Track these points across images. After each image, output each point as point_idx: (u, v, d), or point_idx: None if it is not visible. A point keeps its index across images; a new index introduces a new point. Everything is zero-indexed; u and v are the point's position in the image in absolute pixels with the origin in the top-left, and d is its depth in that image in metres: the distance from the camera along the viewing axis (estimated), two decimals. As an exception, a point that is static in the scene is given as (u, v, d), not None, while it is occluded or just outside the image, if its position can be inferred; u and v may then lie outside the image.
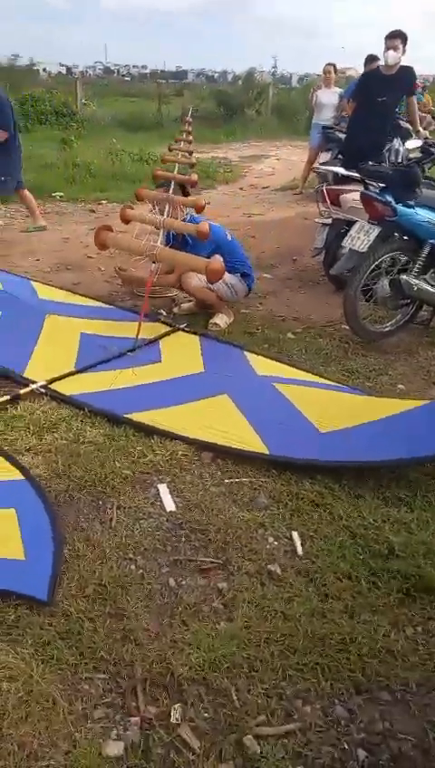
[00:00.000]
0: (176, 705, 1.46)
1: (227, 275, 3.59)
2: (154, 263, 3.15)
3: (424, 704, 1.49)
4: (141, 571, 1.84)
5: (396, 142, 6.30)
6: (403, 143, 5.77)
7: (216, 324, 3.63)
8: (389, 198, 3.18)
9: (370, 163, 3.65)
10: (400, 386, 3.10)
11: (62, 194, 7.30)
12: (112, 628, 1.63)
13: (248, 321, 3.81)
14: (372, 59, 6.48)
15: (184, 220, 3.41)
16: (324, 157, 7.16)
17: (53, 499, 2.09)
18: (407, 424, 2.41)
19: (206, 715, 1.45)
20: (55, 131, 12.06)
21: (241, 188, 8.79)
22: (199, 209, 3.12)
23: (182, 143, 3.29)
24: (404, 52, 4.97)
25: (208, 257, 3.09)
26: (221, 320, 3.67)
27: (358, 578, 1.83)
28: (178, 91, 21.14)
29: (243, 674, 1.54)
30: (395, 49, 4.87)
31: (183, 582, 1.82)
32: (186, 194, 3.55)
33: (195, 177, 3.17)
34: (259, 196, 8.17)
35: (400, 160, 6.15)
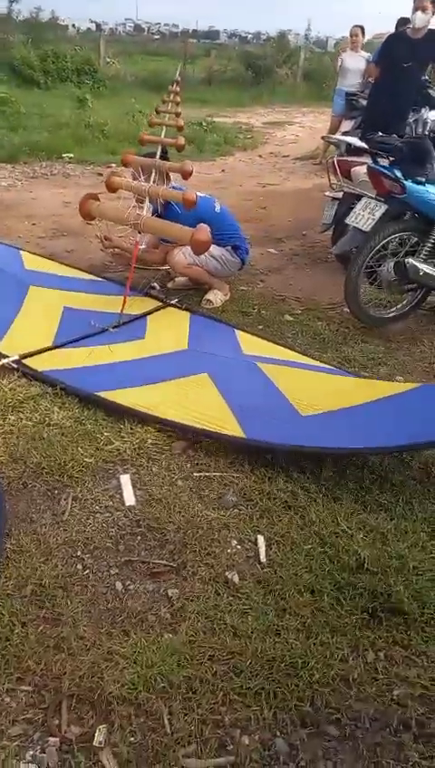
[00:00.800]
0: (101, 727, 1.34)
1: (214, 249, 3.37)
2: (139, 233, 2.95)
3: (375, 742, 1.35)
4: (88, 571, 1.71)
5: (424, 112, 5.95)
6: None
7: (209, 301, 3.44)
8: (397, 173, 2.91)
9: (379, 134, 3.36)
10: (398, 377, 2.89)
11: (71, 155, 7.06)
12: (45, 634, 1.51)
13: (245, 300, 3.61)
14: (403, 22, 6.05)
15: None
16: (347, 125, 6.79)
17: (5, 486, 1.96)
18: (393, 409, 2.23)
19: (132, 739, 1.32)
20: (76, 89, 11.69)
21: (260, 156, 8.44)
22: (186, 175, 2.90)
23: (170, 105, 3.04)
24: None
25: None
26: (215, 296, 3.48)
27: (321, 592, 1.68)
28: (206, 52, 20.36)
29: (180, 695, 1.41)
30: (424, 10, 4.48)
31: (131, 586, 1.69)
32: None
33: (182, 140, 2.94)
34: (277, 165, 7.83)
35: (427, 132, 5.81)
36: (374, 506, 2.02)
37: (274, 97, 15.26)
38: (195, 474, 2.13)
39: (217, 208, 3.47)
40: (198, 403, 2.35)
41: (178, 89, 3.24)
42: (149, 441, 2.25)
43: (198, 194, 3.04)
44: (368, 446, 2.09)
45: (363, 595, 1.67)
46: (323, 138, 5.15)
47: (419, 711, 1.41)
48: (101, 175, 6.50)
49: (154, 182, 3.01)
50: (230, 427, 2.22)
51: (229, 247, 3.48)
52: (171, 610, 1.62)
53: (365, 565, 1.75)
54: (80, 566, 1.72)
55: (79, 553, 1.76)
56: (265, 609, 1.63)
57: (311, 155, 8.22)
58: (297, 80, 16.85)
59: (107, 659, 1.47)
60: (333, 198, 4.13)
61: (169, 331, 3.00)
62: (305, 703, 1.41)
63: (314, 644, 1.54)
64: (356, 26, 7.25)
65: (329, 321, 3.41)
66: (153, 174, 2.93)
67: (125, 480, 2.05)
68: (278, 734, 1.36)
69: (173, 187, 3.20)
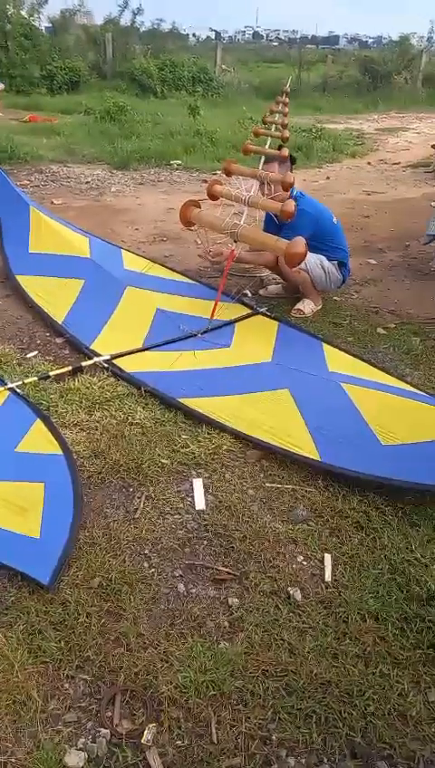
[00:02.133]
0: (151, 725, 1.37)
1: (325, 261, 3.35)
2: (235, 242, 2.99)
3: (428, 788, 1.28)
4: (153, 570, 1.76)
5: None
6: None
7: (300, 311, 3.41)
8: None
9: None
10: None
11: (179, 162, 7.28)
12: (107, 627, 1.57)
13: (338, 311, 3.54)
14: None
15: (291, 197, 3.20)
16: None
17: (84, 479, 2.06)
18: None
19: (179, 743, 1.34)
20: (189, 97, 12.05)
21: (369, 163, 8.23)
22: (287, 187, 2.89)
23: (277, 116, 3.05)
24: None
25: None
26: (307, 306, 3.44)
27: (386, 621, 1.62)
28: (323, 57, 20.18)
29: (230, 705, 1.42)
30: None
31: (193, 590, 1.71)
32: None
33: (286, 152, 2.93)
34: (385, 173, 7.59)
35: None
36: (454, 536, 1.91)
37: (390, 103, 14.82)
38: (267, 484, 2.12)
39: (335, 220, 3.45)
40: (276, 419, 2.34)
41: (286, 99, 3.25)
42: (225, 447, 2.27)
43: (316, 201, 3.07)
44: None
45: (431, 629, 1.59)
46: (432, 146, 4.93)
47: None
48: (205, 182, 6.64)
49: (258, 192, 3.03)
50: (306, 447, 2.19)
51: (336, 262, 3.43)
52: (230, 619, 1.63)
53: (436, 598, 1.66)
54: (146, 564, 1.77)
55: (147, 551, 1.81)
56: (326, 631, 1.59)
57: (424, 163, 7.90)
58: (417, 84, 16.27)
59: (163, 659, 1.50)
60: (440, 209, 3.95)
61: (256, 340, 3.00)
62: (357, 733, 1.36)
63: (374, 673, 1.49)
64: None
65: (425, 337, 3.26)
66: (255, 184, 2.96)
67: (198, 484, 2.09)
68: (326, 760, 1.32)
69: (298, 194, 3.22)
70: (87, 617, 1.59)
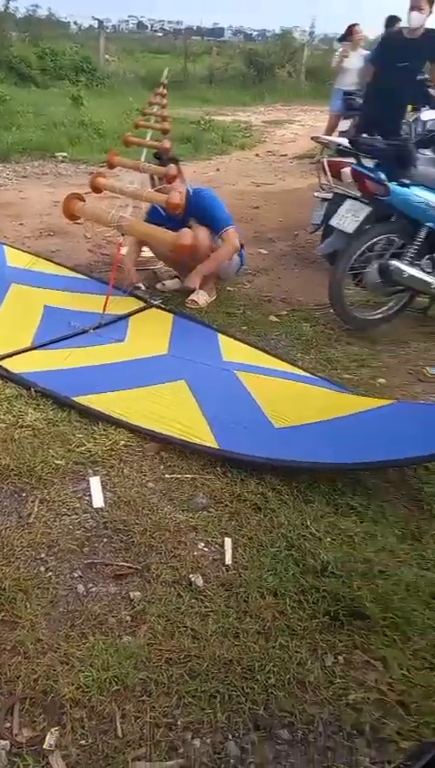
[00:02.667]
0: (53, 729, 1.34)
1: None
2: (123, 235, 2.95)
3: (326, 746, 1.35)
4: (50, 573, 1.71)
5: (425, 112, 5.92)
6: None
7: (194, 302, 3.43)
8: (381, 175, 2.90)
9: (363, 135, 3.35)
10: (381, 380, 2.88)
11: (65, 154, 7.06)
12: (2, 637, 1.51)
13: (231, 301, 3.61)
14: (392, 20, 6.03)
15: (187, 194, 3.21)
16: (345, 125, 6.78)
17: (-27, 488, 1.96)
18: (365, 425, 2.22)
19: (83, 742, 1.32)
20: (72, 87, 11.68)
21: (257, 155, 8.42)
22: (170, 180, 2.90)
23: (156, 107, 3.04)
24: (431, 12, 4.55)
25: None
26: (201, 297, 3.47)
27: (284, 595, 1.68)
28: (209, 49, 20.31)
29: (134, 698, 1.41)
30: (420, 9, 4.44)
31: (93, 589, 1.69)
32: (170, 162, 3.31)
33: (167, 143, 2.94)
34: (273, 164, 7.81)
35: (426, 132, 5.77)
36: (346, 509, 2.01)
37: (275, 95, 15.23)
38: (166, 475, 2.13)
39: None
40: (174, 411, 2.35)
41: (164, 91, 3.24)
42: (122, 443, 2.25)
43: (202, 188, 3.13)
44: (336, 461, 2.08)
45: (326, 599, 1.66)
46: (313, 138, 5.13)
47: (374, 715, 1.40)
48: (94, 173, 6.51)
49: (141, 184, 3.01)
50: (204, 436, 2.21)
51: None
52: (132, 613, 1.62)
53: (330, 568, 1.74)
54: (42, 568, 1.72)
55: (42, 556, 1.76)
56: (227, 612, 1.63)
57: (309, 154, 8.20)
58: (300, 78, 16.81)
59: (63, 662, 1.47)
60: (324, 199, 4.12)
61: (151, 333, 3.00)
62: (259, 706, 1.41)
63: (273, 647, 1.54)
64: (354, 24, 7.21)
65: (314, 323, 3.40)
66: (139, 175, 2.94)
67: (94, 482, 2.05)
68: (230, 737, 1.35)
69: (194, 188, 3.26)
70: (-20, 630, 1.52)
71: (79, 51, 14.21)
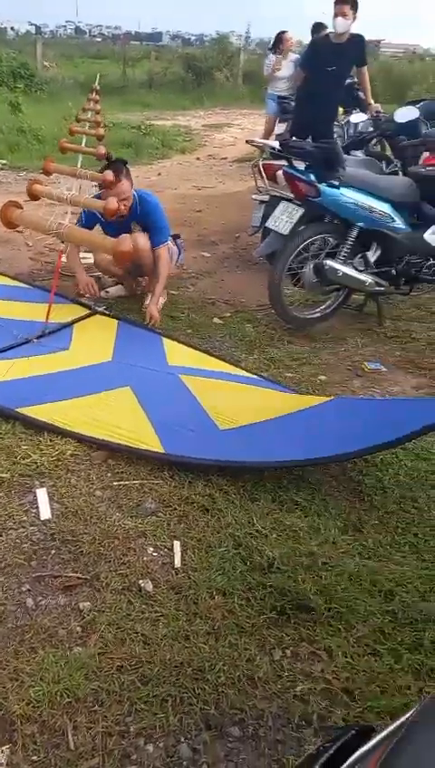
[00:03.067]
0: (4, 748, 1.32)
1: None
2: (63, 242, 2.93)
3: (276, 740, 1.38)
4: (-3, 589, 1.69)
5: (355, 115, 6.10)
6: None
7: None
8: (312, 177, 2.98)
9: (293, 138, 3.44)
10: (321, 376, 2.96)
11: (4, 161, 6.93)
12: None
13: (175, 304, 3.63)
14: (318, 27, 6.19)
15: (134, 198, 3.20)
16: (280, 128, 6.90)
17: None
18: (306, 423, 2.28)
19: (34, 758, 1.31)
20: (11, 94, 11.45)
21: (198, 158, 8.48)
22: (108, 185, 2.90)
23: (90, 113, 3.04)
24: (355, 18, 4.71)
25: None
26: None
27: (232, 594, 1.71)
28: (148, 54, 20.27)
29: (86, 709, 1.41)
30: (344, 16, 4.60)
31: (42, 602, 1.67)
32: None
33: (102, 149, 2.94)
34: (214, 168, 7.89)
35: (356, 134, 5.96)
36: (290, 505, 2.06)
37: (214, 99, 15.35)
38: (114, 483, 2.13)
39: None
40: (119, 418, 2.35)
41: (97, 97, 3.23)
42: (69, 453, 2.23)
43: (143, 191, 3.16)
44: (281, 459, 2.13)
45: (273, 594, 1.71)
46: (247, 142, 5.22)
47: (320, 705, 1.45)
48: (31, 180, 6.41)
49: (78, 190, 2.99)
50: (149, 441, 2.23)
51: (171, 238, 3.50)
52: (82, 623, 1.62)
53: (276, 564, 1.79)
54: (-11, 585, 1.70)
55: (-11, 572, 1.74)
56: (177, 615, 1.64)
57: (248, 157, 8.29)
58: (238, 82, 16.98)
59: (13, 679, 1.45)
60: (261, 201, 4.20)
61: (95, 340, 2.98)
62: (211, 706, 1.43)
63: (223, 646, 1.56)
64: (283, 32, 7.33)
65: (257, 324, 3.46)
66: (77, 182, 2.92)
67: (41, 494, 2.03)
68: (183, 739, 1.37)
69: (140, 193, 3.26)
70: None
71: (16, 57, 13.92)
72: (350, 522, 2.00)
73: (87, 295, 3.34)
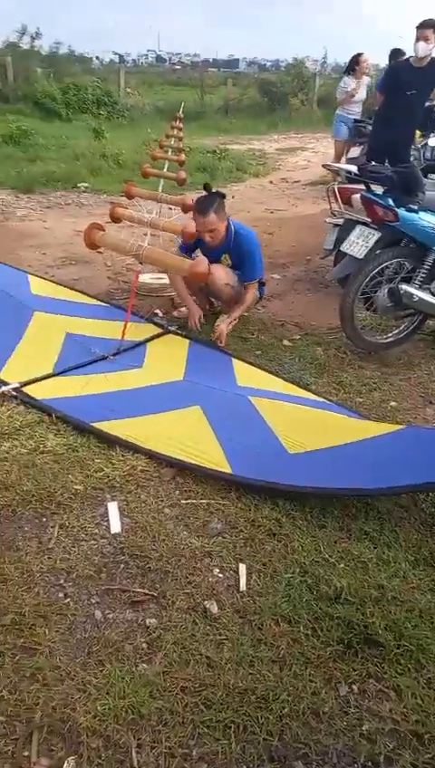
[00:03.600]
0: (70, 759, 1.35)
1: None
2: (141, 263, 3.03)
3: (341, 779, 1.34)
4: (69, 599, 1.74)
5: (433, 138, 6.00)
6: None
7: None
8: (390, 202, 2.95)
9: (371, 163, 3.41)
10: (392, 403, 2.90)
11: (87, 184, 7.26)
12: (21, 663, 1.54)
13: (245, 325, 3.66)
14: (396, 53, 6.16)
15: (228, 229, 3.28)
16: (355, 151, 6.88)
17: (-6, 514, 2.01)
18: (378, 450, 2.23)
19: (99, 772, 1.34)
20: (95, 121, 12.04)
21: (271, 182, 8.56)
22: (186, 209, 2.98)
23: (173, 140, 3.15)
24: None
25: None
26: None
27: (298, 623, 1.69)
28: (225, 80, 20.78)
29: (150, 727, 1.42)
30: (426, 40, 4.59)
31: (110, 615, 1.71)
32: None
33: (183, 174, 3.02)
34: (287, 191, 7.93)
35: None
36: (358, 534, 2.02)
37: (289, 124, 15.51)
38: (182, 501, 2.16)
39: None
40: (189, 436, 2.39)
41: (180, 125, 3.34)
42: (139, 468, 2.29)
43: (242, 226, 3.26)
44: (348, 486, 2.09)
45: (340, 626, 1.67)
46: (323, 166, 5.23)
47: (388, 746, 1.39)
48: (113, 203, 6.67)
49: (158, 214, 3.10)
50: (218, 461, 2.24)
51: (257, 281, 3.52)
52: (148, 640, 1.64)
53: (344, 595, 1.75)
54: (61, 594, 1.75)
55: (61, 582, 1.79)
56: (241, 640, 1.64)
57: (322, 180, 8.30)
58: (313, 106, 17.08)
59: (80, 690, 1.49)
60: (335, 225, 4.19)
61: (167, 359, 3.05)
62: (274, 737, 1.41)
63: (287, 676, 1.54)
64: (359, 54, 7.34)
65: (327, 347, 3.44)
66: (158, 206, 3.02)
67: (112, 507, 2.09)
68: (245, 768, 1.36)
69: (235, 225, 3.31)
70: (0, 655, 1.55)
71: (100, 85, 14.66)
72: (421, 555, 1.94)
73: (191, 325, 3.41)
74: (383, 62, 8.82)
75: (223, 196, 3.29)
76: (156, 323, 3.46)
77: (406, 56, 5.33)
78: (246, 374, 2.93)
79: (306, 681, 1.53)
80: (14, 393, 2.67)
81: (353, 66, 7.18)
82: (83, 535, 1.97)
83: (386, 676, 1.54)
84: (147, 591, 1.78)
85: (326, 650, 1.61)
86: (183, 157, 3.07)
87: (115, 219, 3.13)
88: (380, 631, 1.63)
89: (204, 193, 3.23)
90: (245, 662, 1.57)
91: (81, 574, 1.82)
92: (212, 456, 2.30)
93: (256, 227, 5.75)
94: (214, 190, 3.23)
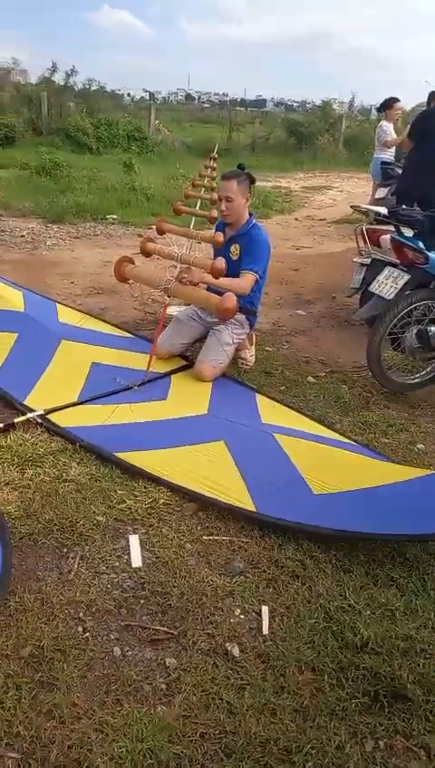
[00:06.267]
0: (84, 803, 1.31)
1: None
2: (168, 297, 3.07)
3: None
4: (88, 634, 1.71)
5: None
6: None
7: (245, 361, 3.49)
8: (420, 245, 2.97)
9: (402, 207, 3.45)
10: (419, 445, 2.85)
11: (115, 216, 7.42)
12: (39, 699, 1.51)
13: (270, 361, 3.66)
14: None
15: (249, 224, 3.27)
16: (382, 192, 6.97)
17: (16, 541, 2.00)
18: (407, 494, 2.19)
19: None
20: (126, 155, 12.39)
21: (296, 219, 8.68)
22: (217, 246, 3.02)
23: (206, 179, 3.21)
24: None
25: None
26: (248, 354, 3.53)
27: (322, 671, 1.63)
28: (252, 119, 21.35)
29: (167, 774, 1.38)
30: None
31: (129, 653, 1.68)
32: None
33: (215, 213, 3.07)
34: (313, 228, 8.03)
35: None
36: (385, 581, 1.97)
37: (315, 162, 15.79)
38: (204, 537, 2.13)
39: None
40: (212, 471, 2.37)
41: (214, 165, 3.41)
42: (162, 501, 2.27)
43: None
44: (375, 531, 2.05)
45: (366, 677, 1.61)
46: (351, 207, 5.30)
47: (417, 811, 1.33)
48: (141, 236, 6.80)
49: (188, 249, 3.13)
50: (241, 498, 2.22)
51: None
52: (167, 681, 1.60)
53: (370, 644, 1.70)
54: (80, 628, 1.72)
55: (81, 615, 1.76)
56: (263, 686, 1.59)
57: (346, 219, 8.40)
58: (339, 146, 17.42)
59: (97, 730, 1.45)
60: (362, 264, 4.21)
61: (191, 392, 3.05)
62: (297, 792, 1.35)
63: (311, 727, 1.49)
64: (392, 98, 7.49)
65: (352, 385, 3.42)
66: (188, 241, 3.06)
67: (134, 540, 2.07)
68: None
69: (255, 225, 3.27)
70: (17, 689, 1.52)
71: (131, 121, 15.14)
72: (451, 606, 1.88)
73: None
74: (409, 105, 9.01)
75: (253, 179, 3.29)
76: (180, 355, 3.47)
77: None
78: (269, 410, 2.92)
79: (331, 734, 1.47)
80: (39, 420, 2.68)
81: (385, 109, 7.32)
82: (104, 568, 1.95)
83: (414, 734, 1.48)
84: (167, 630, 1.75)
85: (352, 702, 1.55)
86: (215, 195, 3.12)
87: (146, 254, 3.18)
88: (408, 685, 1.57)
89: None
90: (267, 710, 1.53)
91: (100, 608, 1.79)
92: (235, 492, 2.27)
93: (281, 263, 5.86)
94: (246, 171, 3.24)
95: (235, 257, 3.24)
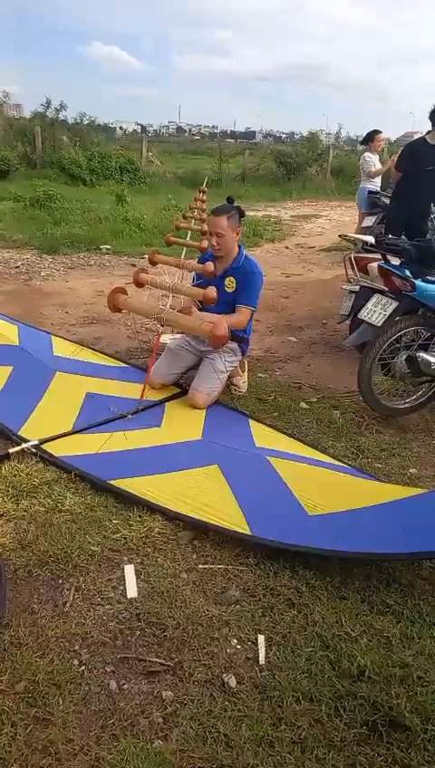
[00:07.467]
0: None
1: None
2: (162, 325, 3.11)
3: None
4: (83, 667, 1.69)
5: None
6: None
7: (237, 387, 3.53)
8: (407, 273, 3.04)
9: (389, 236, 3.54)
10: (412, 469, 2.88)
11: (109, 246, 7.53)
12: (34, 735, 1.49)
13: (262, 387, 3.70)
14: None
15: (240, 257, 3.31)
16: (369, 221, 7.12)
17: (11, 574, 1.99)
18: (399, 514, 2.20)
19: None
20: (118, 187, 12.62)
21: (286, 247, 8.82)
22: (208, 275, 3.09)
23: (196, 211, 3.29)
24: None
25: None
26: (240, 381, 3.57)
27: (320, 701, 1.62)
28: (241, 150, 21.82)
29: (164, 811, 1.36)
30: None
31: (125, 686, 1.66)
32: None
33: (205, 243, 3.14)
34: (302, 256, 8.16)
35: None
36: (381, 608, 1.97)
37: (303, 192, 16.13)
38: (199, 566, 2.12)
39: None
40: (207, 495, 2.38)
41: (204, 197, 3.50)
42: (157, 530, 2.27)
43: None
44: (371, 551, 2.06)
45: (364, 706, 1.60)
46: (340, 236, 5.41)
47: None
48: (134, 266, 6.89)
49: (180, 279, 3.19)
50: (236, 521, 2.23)
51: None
52: (164, 714, 1.58)
53: (367, 673, 1.69)
54: (76, 662, 1.71)
55: (76, 648, 1.75)
56: (261, 718, 1.58)
57: (335, 247, 8.55)
58: (326, 176, 17.81)
59: (94, 767, 1.43)
60: (351, 291, 4.29)
61: (186, 418, 3.08)
62: None
63: (310, 759, 1.47)
64: (376, 131, 7.71)
65: (344, 410, 3.45)
66: (179, 272, 3.12)
67: (129, 571, 2.06)
68: None
69: (247, 257, 3.31)
70: (12, 726, 1.50)
71: (124, 153, 15.45)
72: (447, 632, 1.87)
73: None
74: (394, 136, 9.26)
75: (242, 212, 3.32)
76: (174, 384, 3.50)
77: (424, 133, 5.58)
78: (263, 435, 2.94)
79: (329, 766, 1.46)
80: (34, 450, 2.69)
81: (369, 141, 7.53)
82: (99, 599, 1.94)
83: (413, 764, 1.47)
84: (163, 662, 1.73)
85: (350, 732, 1.54)
86: (205, 227, 3.20)
87: (139, 284, 3.24)
88: (406, 714, 1.56)
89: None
90: (265, 742, 1.51)
91: (96, 640, 1.78)
92: (230, 515, 2.28)
93: (272, 291, 5.95)
94: (235, 204, 3.28)
95: (230, 290, 3.31)
